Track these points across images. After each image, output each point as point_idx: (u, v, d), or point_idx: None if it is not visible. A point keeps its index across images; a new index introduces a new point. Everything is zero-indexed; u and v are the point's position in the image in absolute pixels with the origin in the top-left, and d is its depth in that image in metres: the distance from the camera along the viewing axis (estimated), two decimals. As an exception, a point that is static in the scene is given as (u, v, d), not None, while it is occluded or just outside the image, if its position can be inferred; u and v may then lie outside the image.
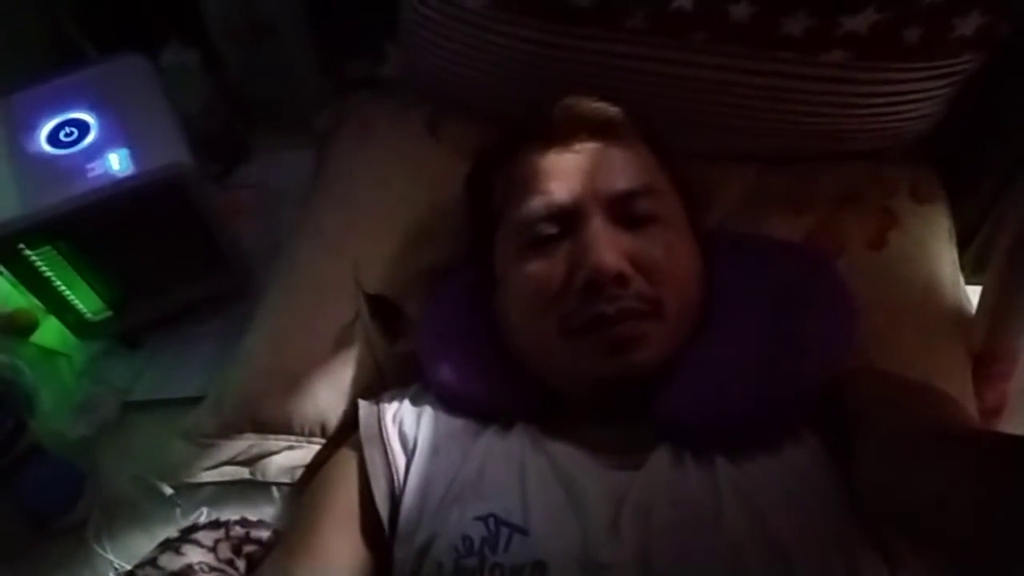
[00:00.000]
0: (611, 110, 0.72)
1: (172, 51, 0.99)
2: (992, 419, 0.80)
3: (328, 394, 0.80)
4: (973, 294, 0.84)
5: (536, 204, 0.67)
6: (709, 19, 0.76)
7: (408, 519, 0.64)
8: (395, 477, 0.67)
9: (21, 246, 0.75)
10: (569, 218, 0.67)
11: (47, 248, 0.76)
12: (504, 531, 0.60)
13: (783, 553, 0.55)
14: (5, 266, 0.77)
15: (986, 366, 0.80)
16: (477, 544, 0.60)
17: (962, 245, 0.89)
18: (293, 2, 1.01)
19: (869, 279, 0.78)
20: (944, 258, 0.84)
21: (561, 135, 0.70)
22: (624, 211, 0.67)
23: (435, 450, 0.68)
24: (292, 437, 0.80)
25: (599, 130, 0.70)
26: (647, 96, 0.83)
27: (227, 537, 0.75)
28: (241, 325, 0.86)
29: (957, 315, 0.81)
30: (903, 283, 0.81)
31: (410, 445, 0.69)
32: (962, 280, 0.85)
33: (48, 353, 0.91)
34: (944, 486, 0.51)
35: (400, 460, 0.68)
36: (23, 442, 0.76)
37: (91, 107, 0.81)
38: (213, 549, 0.74)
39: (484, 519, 0.61)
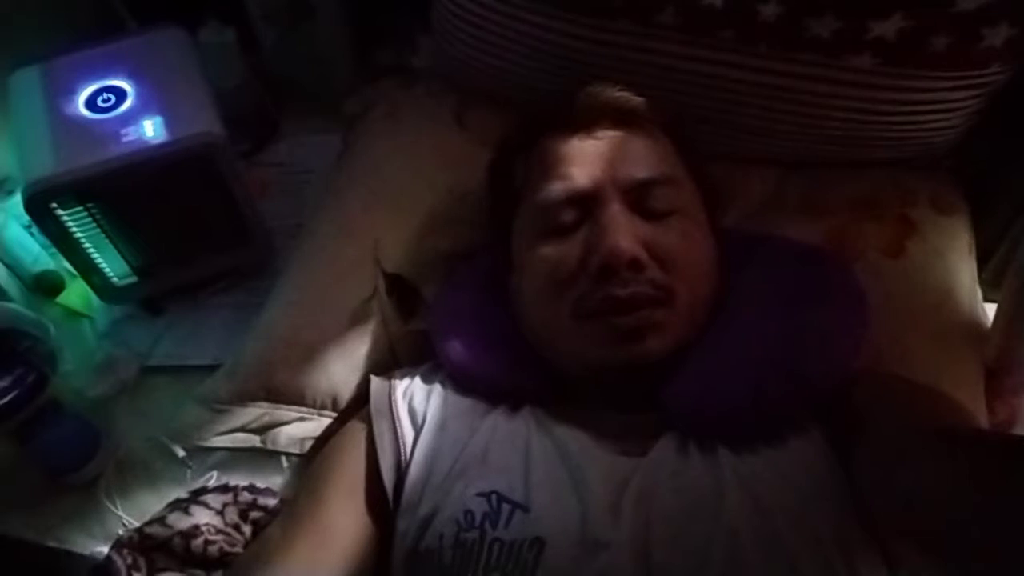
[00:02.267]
0: (634, 99, 0.73)
1: (210, 29, 1.01)
2: (1003, 433, 0.80)
3: (341, 368, 0.81)
4: (991, 311, 0.84)
5: (556, 188, 0.68)
6: (738, 17, 0.77)
7: (412, 491, 0.65)
8: (402, 450, 0.68)
9: (54, 205, 0.77)
10: (587, 203, 0.67)
11: (79, 209, 0.78)
12: (505, 508, 0.61)
13: (782, 544, 0.56)
14: (38, 224, 0.79)
15: (999, 379, 0.79)
16: (478, 519, 0.60)
17: (981, 262, 0.89)
18: (331, -13, 1.03)
19: (885, 286, 0.78)
20: (962, 270, 0.83)
21: (584, 122, 0.71)
22: (642, 199, 0.68)
23: (443, 426, 0.69)
24: (304, 408, 0.81)
25: (622, 119, 0.71)
26: (673, 93, 0.83)
27: (235, 502, 0.77)
28: (261, 299, 0.88)
29: (973, 327, 0.81)
30: (919, 291, 0.80)
31: (419, 420, 0.70)
32: (979, 293, 0.85)
33: (72, 314, 0.93)
34: (946, 485, 0.51)
35: (408, 434, 0.69)
36: (43, 397, 0.77)
37: (129, 75, 0.83)
38: (221, 512, 0.75)
39: (487, 495, 0.62)
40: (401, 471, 0.67)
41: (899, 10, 0.73)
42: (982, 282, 0.86)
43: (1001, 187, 0.91)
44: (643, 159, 0.69)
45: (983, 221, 0.90)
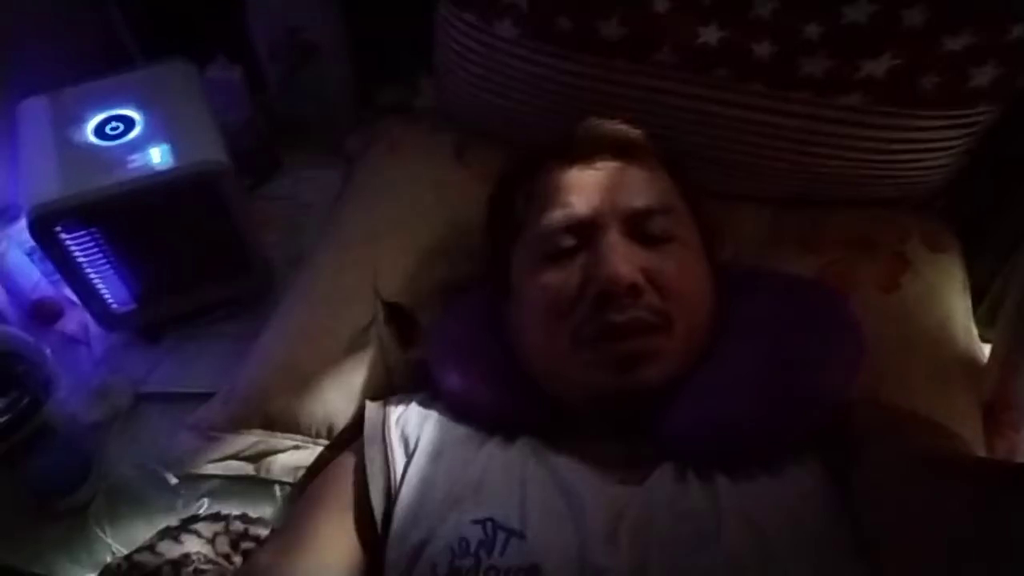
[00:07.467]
0: (633, 132, 0.74)
1: (217, 66, 1.04)
2: (1002, 469, 0.79)
3: (338, 396, 0.81)
4: (985, 349, 0.84)
5: (556, 216, 0.69)
6: (733, 56, 0.79)
7: (404, 519, 0.64)
8: (392, 476, 0.67)
9: (58, 228, 0.77)
10: (586, 231, 0.68)
11: (83, 234, 0.79)
12: (501, 535, 0.60)
13: (781, 571, 0.55)
14: (42, 248, 0.79)
15: (996, 415, 0.79)
16: (473, 546, 0.59)
17: (974, 301, 0.89)
18: (335, 28, 1.06)
19: (880, 321, 0.78)
20: (957, 305, 0.84)
21: (583, 153, 0.72)
22: (641, 228, 0.68)
23: (438, 454, 0.68)
24: (299, 437, 0.80)
25: (621, 150, 0.73)
26: (670, 130, 0.85)
27: (226, 531, 0.75)
28: (259, 330, 0.88)
29: (969, 362, 0.81)
30: (915, 326, 0.81)
31: (411, 447, 0.69)
32: (975, 329, 0.85)
33: (70, 341, 0.93)
34: (943, 513, 0.50)
35: (399, 460, 0.69)
36: (35, 421, 0.77)
37: (138, 105, 0.85)
38: (211, 541, 0.74)
39: (482, 523, 0.61)
40: (391, 498, 0.66)
41: (889, 49, 0.75)
42: (976, 321, 0.87)
43: (991, 227, 0.92)
44: (642, 189, 0.70)
45: (975, 260, 0.91)
